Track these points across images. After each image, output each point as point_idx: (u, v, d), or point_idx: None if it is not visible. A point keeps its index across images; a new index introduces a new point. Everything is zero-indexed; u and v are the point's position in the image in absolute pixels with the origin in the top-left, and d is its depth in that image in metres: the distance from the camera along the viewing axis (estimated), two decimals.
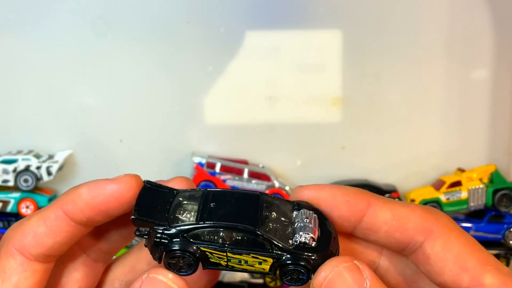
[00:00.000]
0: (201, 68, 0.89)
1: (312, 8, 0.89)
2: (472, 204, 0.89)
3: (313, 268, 0.27)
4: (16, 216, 0.85)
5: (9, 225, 0.86)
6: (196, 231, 0.28)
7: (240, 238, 0.28)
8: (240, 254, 0.27)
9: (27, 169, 0.84)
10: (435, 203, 0.88)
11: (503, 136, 0.93)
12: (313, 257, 0.27)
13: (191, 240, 0.28)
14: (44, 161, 0.84)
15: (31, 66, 0.87)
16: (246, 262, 0.28)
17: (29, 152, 0.86)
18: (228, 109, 0.91)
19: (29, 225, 0.29)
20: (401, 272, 0.32)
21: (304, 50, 0.90)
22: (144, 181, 0.30)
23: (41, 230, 0.29)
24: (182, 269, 0.28)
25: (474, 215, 0.90)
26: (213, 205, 0.28)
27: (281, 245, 0.27)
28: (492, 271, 0.28)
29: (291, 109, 0.91)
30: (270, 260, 0.28)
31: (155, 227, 0.28)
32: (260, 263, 0.28)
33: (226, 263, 0.28)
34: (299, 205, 0.29)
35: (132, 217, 0.28)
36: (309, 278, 0.28)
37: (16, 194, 0.84)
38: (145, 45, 0.88)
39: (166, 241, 0.28)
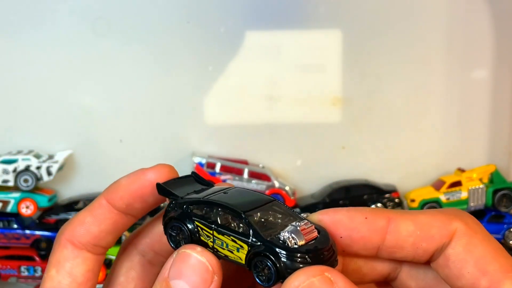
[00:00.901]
0: (201, 68, 0.89)
1: (312, 8, 0.89)
2: (472, 204, 0.89)
3: (279, 267, 0.27)
4: (16, 216, 0.85)
5: (9, 225, 0.86)
6: (197, 205, 0.29)
7: (227, 219, 0.28)
8: (223, 235, 0.28)
9: (27, 169, 0.84)
10: (435, 203, 0.88)
11: (503, 136, 0.93)
12: (283, 254, 0.27)
13: (191, 212, 0.29)
14: (44, 161, 0.84)
15: (31, 66, 0.87)
16: (227, 246, 0.28)
17: (29, 152, 0.86)
18: (228, 109, 0.91)
19: (77, 217, 0.31)
20: (420, 281, 0.31)
21: (304, 50, 0.90)
22: (192, 172, 0.32)
23: (88, 219, 0.31)
24: (179, 244, 0.29)
25: (474, 215, 0.90)
26: (227, 192, 0.29)
27: (258, 233, 0.27)
28: None
29: (291, 109, 0.91)
30: (246, 248, 0.28)
31: (170, 197, 0.29)
32: (238, 250, 0.28)
33: (212, 244, 0.28)
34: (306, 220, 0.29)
35: (157, 182, 0.29)
36: (275, 278, 0.27)
37: (16, 194, 0.84)
38: (145, 45, 0.88)
39: (172, 210, 0.29)
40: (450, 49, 0.91)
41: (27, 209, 0.84)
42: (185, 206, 0.29)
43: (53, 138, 0.89)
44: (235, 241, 0.28)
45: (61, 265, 0.30)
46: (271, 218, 0.29)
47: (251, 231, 0.27)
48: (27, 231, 0.86)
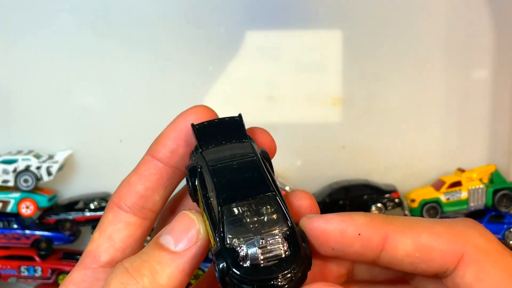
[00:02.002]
0: (201, 68, 0.89)
1: (312, 8, 0.89)
2: (472, 204, 0.89)
3: (220, 281, 0.25)
4: (16, 216, 0.85)
5: (9, 225, 0.86)
6: (204, 167, 0.27)
7: (212, 197, 0.27)
8: (205, 215, 0.27)
9: (27, 169, 0.84)
10: (435, 203, 0.88)
11: (503, 136, 0.93)
12: (225, 270, 0.24)
13: (199, 171, 0.28)
14: (44, 161, 0.84)
15: (31, 66, 0.87)
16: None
17: (29, 152, 0.86)
18: (228, 109, 0.91)
19: (125, 179, 0.31)
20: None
21: (304, 50, 0.90)
22: (239, 114, 0.30)
23: (133, 179, 0.30)
24: (191, 194, 0.28)
25: (474, 215, 0.90)
26: (235, 164, 0.27)
27: (222, 234, 0.25)
28: None
29: (291, 109, 0.91)
30: (212, 241, 0.26)
31: (196, 145, 0.28)
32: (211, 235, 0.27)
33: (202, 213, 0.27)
34: (291, 234, 0.25)
35: (192, 123, 0.29)
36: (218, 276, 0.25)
37: (16, 194, 0.84)
38: (145, 45, 0.88)
39: (190, 159, 0.28)
40: (450, 49, 0.90)
41: (27, 209, 0.84)
42: (197, 162, 0.28)
43: (53, 138, 0.89)
44: (209, 227, 0.27)
45: (103, 229, 0.30)
46: (254, 218, 0.25)
47: (220, 227, 0.25)
48: (27, 231, 0.86)
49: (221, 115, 0.32)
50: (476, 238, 0.25)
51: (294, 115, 0.91)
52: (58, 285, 0.86)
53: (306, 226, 0.27)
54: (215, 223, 0.26)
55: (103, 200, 0.86)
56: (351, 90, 0.91)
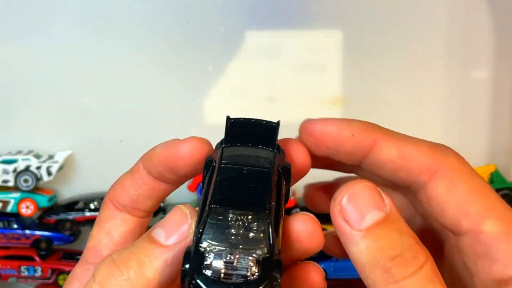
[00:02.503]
0: (201, 68, 0.89)
1: (312, 8, 0.89)
2: None
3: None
4: (16, 216, 0.85)
5: (9, 225, 0.86)
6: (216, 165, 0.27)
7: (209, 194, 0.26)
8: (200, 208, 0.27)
9: (27, 169, 0.84)
10: None
11: (503, 136, 0.93)
12: (187, 252, 0.24)
13: (212, 165, 0.28)
14: (44, 161, 0.84)
15: (31, 66, 0.87)
16: None
17: (29, 152, 0.86)
18: (228, 109, 0.91)
19: (120, 178, 0.32)
20: (411, 206, 0.32)
21: (304, 50, 0.90)
22: (278, 121, 0.30)
23: (128, 182, 0.31)
24: None
25: None
26: (245, 171, 0.26)
27: (199, 235, 0.24)
28: (495, 218, 0.26)
29: (291, 109, 0.91)
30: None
31: (223, 139, 0.29)
32: None
33: None
34: (267, 261, 0.24)
35: (228, 115, 0.29)
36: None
37: (16, 194, 0.84)
38: (145, 45, 0.88)
39: (214, 151, 0.29)
40: (450, 49, 0.90)
41: (27, 209, 0.84)
42: (215, 156, 0.28)
43: (53, 138, 0.89)
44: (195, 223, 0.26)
45: (102, 225, 0.31)
46: (240, 230, 0.24)
47: (201, 226, 0.25)
48: (27, 231, 0.86)
49: (221, 115, 0.32)
50: (452, 160, 0.29)
51: (294, 115, 0.91)
52: (58, 285, 0.86)
53: (308, 127, 0.31)
54: (199, 221, 0.25)
55: (103, 200, 0.86)
56: (351, 90, 0.91)
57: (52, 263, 0.86)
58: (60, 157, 0.86)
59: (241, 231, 0.24)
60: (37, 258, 0.86)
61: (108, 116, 0.90)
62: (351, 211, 0.26)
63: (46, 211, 0.87)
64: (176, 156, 0.30)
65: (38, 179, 0.84)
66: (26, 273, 0.86)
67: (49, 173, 0.84)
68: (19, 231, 0.86)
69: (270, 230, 0.24)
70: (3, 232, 0.86)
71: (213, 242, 0.24)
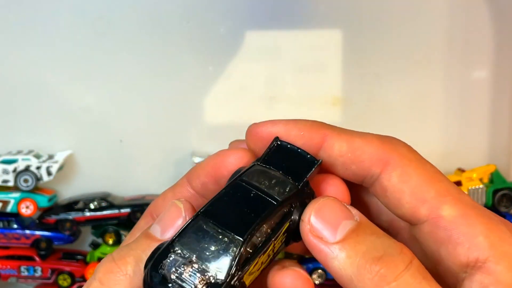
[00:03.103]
0: (201, 68, 0.89)
1: (312, 8, 0.89)
2: None
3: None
4: (16, 216, 0.85)
5: (9, 225, 0.86)
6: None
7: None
8: None
9: (27, 169, 0.84)
10: None
11: (503, 136, 0.93)
12: (158, 246, 0.25)
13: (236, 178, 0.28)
14: (44, 161, 0.84)
15: (31, 66, 0.87)
16: None
17: (29, 152, 0.86)
18: (228, 109, 0.91)
19: (164, 192, 0.32)
20: (371, 200, 0.32)
21: (304, 50, 0.90)
22: (320, 160, 0.29)
23: (169, 195, 0.31)
24: None
25: None
26: (252, 194, 0.26)
27: (174, 237, 0.25)
28: (451, 202, 0.26)
29: (291, 109, 0.91)
30: None
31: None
32: None
33: None
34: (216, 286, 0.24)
35: (277, 136, 0.29)
36: None
37: (16, 194, 0.84)
38: (145, 45, 0.88)
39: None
40: (450, 49, 0.90)
41: (27, 209, 0.84)
42: (241, 170, 0.28)
43: (53, 138, 0.89)
44: None
45: (134, 233, 0.31)
46: (212, 246, 0.24)
47: (181, 228, 0.25)
48: (27, 231, 0.86)
49: (221, 115, 0.32)
50: (401, 148, 0.29)
51: (294, 115, 0.91)
52: (58, 285, 0.86)
53: (254, 130, 0.30)
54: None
55: (103, 200, 0.86)
56: (351, 90, 0.91)
57: (52, 263, 0.86)
58: (60, 157, 0.86)
59: (213, 248, 0.24)
60: (37, 258, 0.86)
61: (108, 116, 0.90)
62: (322, 227, 0.25)
63: (46, 211, 0.87)
64: (222, 165, 0.30)
65: (38, 179, 0.84)
66: (26, 273, 0.86)
67: (49, 173, 0.84)
68: (19, 231, 0.86)
69: (237, 259, 0.24)
70: (3, 232, 0.86)
71: (184, 248, 0.24)
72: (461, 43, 0.90)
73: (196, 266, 0.24)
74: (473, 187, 0.88)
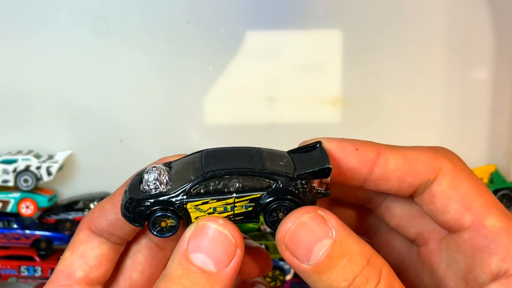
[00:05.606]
0: (201, 68, 0.89)
1: (312, 8, 0.89)
2: None
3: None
4: (16, 216, 0.85)
5: (9, 225, 0.86)
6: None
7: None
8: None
9: (27, 169, 0.84)
10: None
11: (503, 136, 0.93)
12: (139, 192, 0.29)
13: None
14: (44, 161, 0.84)
15: (31, 66, 0.87)
16: None
17: (29, 152, 0.86)
18: (228, 109, 0.91)
19: (100, 203, 0.32)
20: (405, 210, 0.32)
21: (304, 50, 0.90)
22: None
23: (107, 206, 0.31)
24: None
25: None
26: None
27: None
28: (496, 213, 0.27)
29: (291, 109, 0.91)
30: None
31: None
32: None
33: None
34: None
35: (321, 141, 0.31)
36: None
37: (16, 194, 0.84)
38: (145, 45, 0.88)
39: None
40: (450, 49, 0.90)
41: (27, 209, 0.84)
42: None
43: (53, 138, 0.89)
44: None
45: (75, 248, 0.31)
46: (191, 175, 0.28)
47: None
48: (27, 231, 0.86)
49: (221, 115, 0.33)
50: (452, 156, 0.30)
51: (294, 115, 0.91)
52: None
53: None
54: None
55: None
56: (351, 90, 0.91)
57: (52, 263, 0.86)
58: (60, 157, 0.86)
59: (185, 175, 0.28)
60: (37, 258, 0.86)
61: (108, 116, 0.90)
62: (297, 248, 0.26)
63: (46, 211, 0.87)
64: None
65: (38, 179, 0.84)
66: (26, 273, 0.86)
67: (49, 173, 0.84)
68: (19, 231, 0.86)
69: (189, 186, 0.28)
70: (3, 232, 0.86)
71: (172, 167, 0.30)
72: (461, 43, 0.90)
73: (163, 179, 0.28)
74: None
